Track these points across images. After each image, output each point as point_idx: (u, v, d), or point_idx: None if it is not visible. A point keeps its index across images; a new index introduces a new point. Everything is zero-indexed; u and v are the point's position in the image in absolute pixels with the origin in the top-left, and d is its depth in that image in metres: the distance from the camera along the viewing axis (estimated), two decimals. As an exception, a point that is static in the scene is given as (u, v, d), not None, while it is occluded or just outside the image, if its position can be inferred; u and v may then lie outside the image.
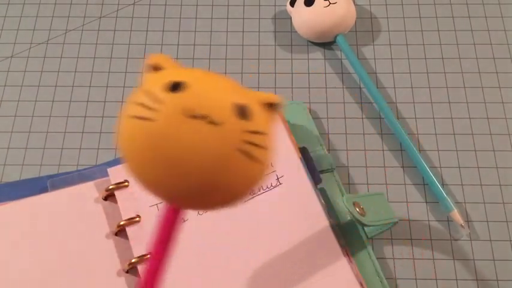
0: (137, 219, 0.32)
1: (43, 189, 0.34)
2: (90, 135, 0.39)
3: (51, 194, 0.34)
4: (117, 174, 0.34)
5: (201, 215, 0.33)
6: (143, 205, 0.33)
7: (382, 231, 0.35)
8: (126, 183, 0.33)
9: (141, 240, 0.32)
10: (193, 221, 0.32)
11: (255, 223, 0.33)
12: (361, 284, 0.31)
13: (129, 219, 0.32)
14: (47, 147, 0.38)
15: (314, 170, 0.35)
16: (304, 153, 0.35)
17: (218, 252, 0.32)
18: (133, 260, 0.31)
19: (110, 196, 0.33)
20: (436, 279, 0.34)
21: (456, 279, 0.34)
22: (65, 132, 0.39)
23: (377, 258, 0.34)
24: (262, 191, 0.33)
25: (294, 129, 0.36)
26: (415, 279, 0.34)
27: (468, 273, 0.34)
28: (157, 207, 0.33)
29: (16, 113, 0.40)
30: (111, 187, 0.33)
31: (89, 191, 0.34)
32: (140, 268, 0.31)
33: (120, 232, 0.32)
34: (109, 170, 0.34)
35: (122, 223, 0.32)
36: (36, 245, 0.32)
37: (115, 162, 0.35)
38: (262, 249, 0.32)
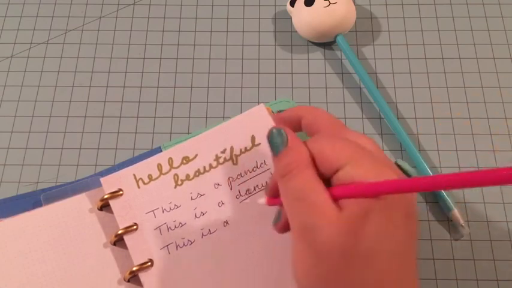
0: (134, 227, 0.32)
1: (36, 204, 0.34)
2: (90, 135, 0.39)
3: (45, 208, 0.33)
4: (110, 183, 0.33)
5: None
6: (139, 212, 0.32)
7: None
8: (121, 192, 0.33)
9: (140, 248, 0.31)
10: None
11: (255, 220, 0.33)
12: None
13: (126, 227, 0.32)
14: (47, 147, 0.38)
15: None
16: None
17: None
18: (134, 269, 0.31)
19: (105, 206, 0.33)
20: (436, 279, 0.34)
21: (456, 279, 0.34)
22: (65, 132, 0.39)
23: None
24: (258, 189, 0.33)
25: None
26: (415, 279, 0.34)
27: (468, 273, 0.34)
28: (153, 213, 0.32)
29: (16, 113, 0.40)
30: (105, 196, 0.32)
31: (83, 202, 0.33)
32: (141, 276, 0.31)
33: (118, 241, 0.32)
34: (102, 179, 0.33)
35: (119, 232, 0.32)
36: (33, 260, 0.31)
37: (107, 171, 0.35)
38: (260, 244, 0.32)
